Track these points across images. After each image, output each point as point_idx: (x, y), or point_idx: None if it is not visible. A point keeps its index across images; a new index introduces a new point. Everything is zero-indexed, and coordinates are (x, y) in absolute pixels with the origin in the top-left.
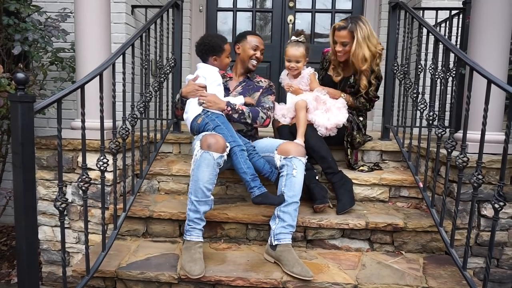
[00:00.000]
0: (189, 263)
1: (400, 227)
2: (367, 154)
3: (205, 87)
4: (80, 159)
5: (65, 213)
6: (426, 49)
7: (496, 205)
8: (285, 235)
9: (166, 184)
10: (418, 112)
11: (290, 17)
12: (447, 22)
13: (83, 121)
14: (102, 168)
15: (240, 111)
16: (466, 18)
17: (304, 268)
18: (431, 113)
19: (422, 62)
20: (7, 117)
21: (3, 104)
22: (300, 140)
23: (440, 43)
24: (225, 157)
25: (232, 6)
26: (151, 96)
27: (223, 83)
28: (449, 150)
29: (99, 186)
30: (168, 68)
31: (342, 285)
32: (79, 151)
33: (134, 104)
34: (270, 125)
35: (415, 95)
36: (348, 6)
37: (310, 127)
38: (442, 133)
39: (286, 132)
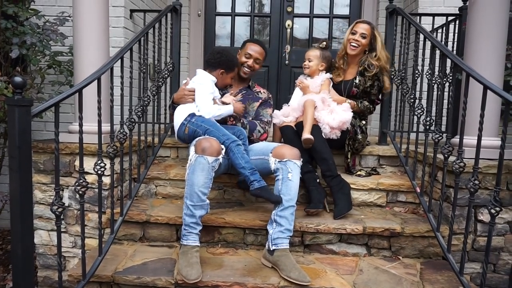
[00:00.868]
0: (186, 267)
1: (397, 232)
2: (365, 159)
3: (194, 91)
4: (77, 163)
5: (61, 217)
6: (423, 54)
7: (493, 210)
8: (283, 239)
9: (164, 188)
10: (415, 117)
11: (288, 22)
12: (444, 28)
13: (81, 125)
14: (99, 172)
15: (240, 122)
16: (462, 24)
17: (302, 273)
18: (428, 118)
19: (419, 68)
20: (4, 120)
21: (0, 108)
22: (307, 134)
23: (437, 48)
24: (220, 160)
25: (230, 11)
26: (149, 100)
27: (223, 90)
28: (446, 155)
29: (96, 190)
30: (166, 72)
31: None
32: (76, 155)
33: (132, 108)
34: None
35: (412, 100)
36: (346, 11)
37: (315, 127)
38: (439, 138)
39: (291, 132)
